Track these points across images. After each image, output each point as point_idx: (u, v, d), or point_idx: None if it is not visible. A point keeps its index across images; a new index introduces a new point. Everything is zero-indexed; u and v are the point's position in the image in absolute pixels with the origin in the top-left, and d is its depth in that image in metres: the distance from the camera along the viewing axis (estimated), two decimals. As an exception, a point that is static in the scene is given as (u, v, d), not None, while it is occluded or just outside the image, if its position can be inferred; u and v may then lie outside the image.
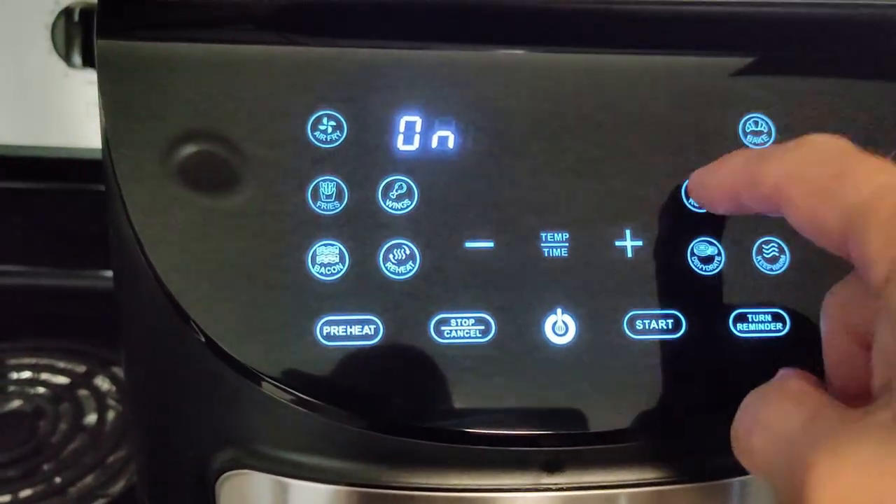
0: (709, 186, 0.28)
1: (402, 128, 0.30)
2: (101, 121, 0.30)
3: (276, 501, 0.30)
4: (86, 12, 0.64)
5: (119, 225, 0.29)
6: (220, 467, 0.30)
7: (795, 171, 0.25)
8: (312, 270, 0.29)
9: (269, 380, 0.28)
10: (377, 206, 0.29)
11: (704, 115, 0.31)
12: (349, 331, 0.28)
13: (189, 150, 0.29)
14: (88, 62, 0.65)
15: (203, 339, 0.28)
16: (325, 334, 0.28)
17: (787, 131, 0.31)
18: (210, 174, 0.29)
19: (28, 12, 0.64)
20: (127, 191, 0.29)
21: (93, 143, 0.67)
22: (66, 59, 0.65)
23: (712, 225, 0.30)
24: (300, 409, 0.28)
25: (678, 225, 0.30)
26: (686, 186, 0.30)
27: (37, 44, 0.65)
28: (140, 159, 0.29)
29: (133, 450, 0.38)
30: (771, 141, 0.31)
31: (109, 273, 0.70)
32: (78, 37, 0.65)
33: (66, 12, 0.64)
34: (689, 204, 0.31)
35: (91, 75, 0.65)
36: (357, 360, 0.28)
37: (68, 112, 0.67)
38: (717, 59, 0.32)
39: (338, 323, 0.28)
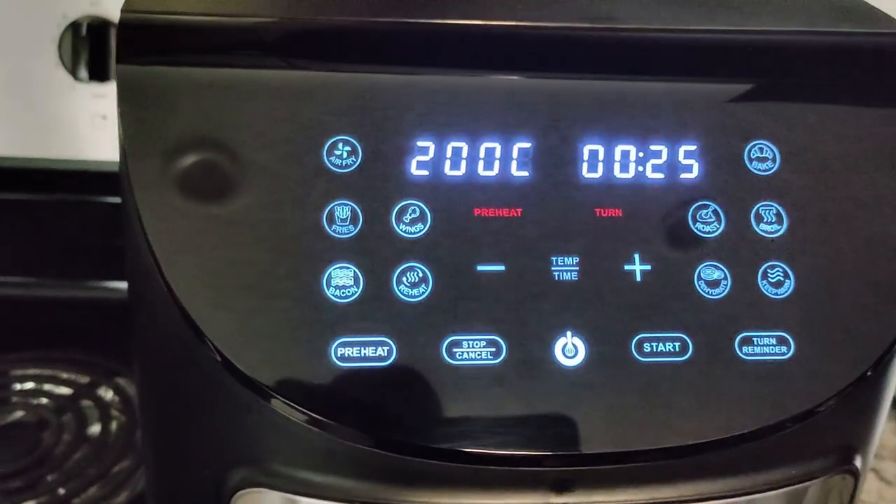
0: None
1: (415, 153, 0.31)
2: (119, 141, 0.31)
3: (290, 519, 0.30)
4: (93, 27, 0.65)
5: (135, 243, 0.30)
6: (235, 486, 0.30)
7: None
8: (327, 292, 0.29)
9: (284, 399, 0.28)
10: (391, 229, 0.30)
11: (710, 141, 0.32)
12: (363, 352, 0.29)
13: (206, 172, 0.30)
14: (94, 76, 0.66)
15: (218, 358, 0.29)
16: (339, 355, 0.29)
17: (792, 157, 0.32)
18: (226, 196, 0.30)
19: (36, 26, 0.65)
20: (144, 211, 0.29)
21: (97, 156, 0.68)
22: (73, 72, 0.66)
23: (719, 250, 0.31)
24: (314, 428, 0.28)
25: (685, 249, 0.31)
26: None
27: (44, 57, 0.65)
28: (158, 181, 0.30)
29: (146, 468, 0.38)
30: (776, 168, 0.32)
31: (113, 284, 0.71)
32: (85, 50, 0.65)
33: (74, 26, 0.65)
34: (696, 229, 0.31)
35: (97, 88, 0.66)
36: (370, 381, 0.29)
37: (74, 124, 0.67)
38: (721, 86, 0.33)
39: (352, 344, 0.29)
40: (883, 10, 0.37)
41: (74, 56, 0.66)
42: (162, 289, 0.29)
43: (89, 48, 0.65)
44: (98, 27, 0.65)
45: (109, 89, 0.66)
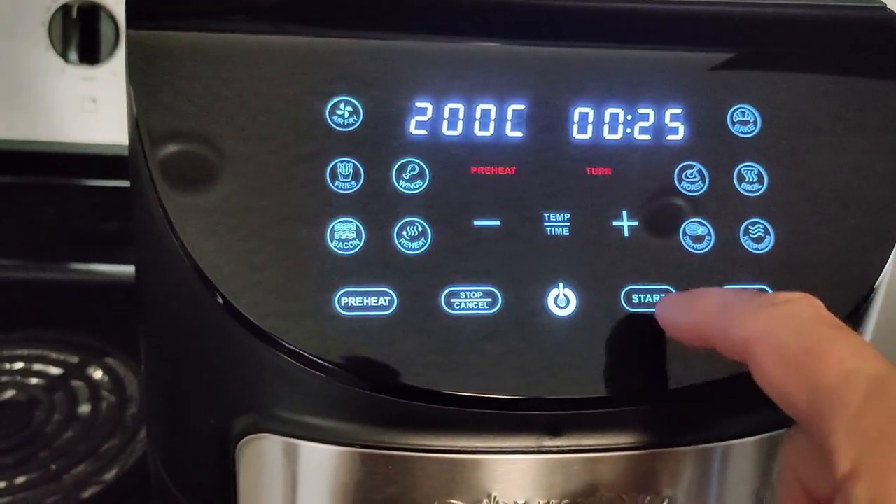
0: (679, 326, 0.28)
1: (414, 113, 0.32)
2: (128, 102, 0.31)
3: (294, 463, 0.31)
4: (83, 10, 0.65)
5: (146, 200, 0.31)
6: (241, 432, 0.31)
7: (767, 333, 0.25)
8: (331, 245, 0.30)
9: (290, 345, 0.29)
10: (391, 186, 0.31)
11: (694, 105, 0.34)
12: (365, 302, 0.30)
13: (214, 131, 0.31)
14: (84, 59, 0.66)
15: (224, 305, 0.30)
16: (342, 305, 0.30)
17: (772, 121, 0.34)
18: (234, 154, 0.31)
19: (26, 8, 0.65)
20: (157, 171, 0.30)
21: (87, 139, 0.68)
22: (63, 55, 0.66)
23: (703, 207, 0.33)
24: (318, 373, 0.29)
25: (671, 207, 0.32)
26: (656, 312, 0.30)
27: (34, 40, 0.66)
28: (169, 141, 0.31)
29: (149, 423, 0.39)
30: (756, 130, 0.34)
31: (101, 267, 0.72)
32: (74, 33, 0.66)
33: (64, 9, 0.65)
34: (682, 188, 0.33)
35: (86, 71, 0.67)
36: (372, 329, 0.30)
37: (64, 107, 0.68)
38: (706, 54, 0.35)
39: (355, 294, 0.30)
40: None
41: (64, 39, 0.66)
42: (172, 242, 0.30)
43: (79, 31, 0.66)
44: (88, 10, 0.65)
45: (99, 72, 0.67)
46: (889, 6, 0.37)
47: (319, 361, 0.29)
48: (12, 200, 0.71)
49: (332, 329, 0.30)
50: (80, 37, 0.66)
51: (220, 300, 0.29)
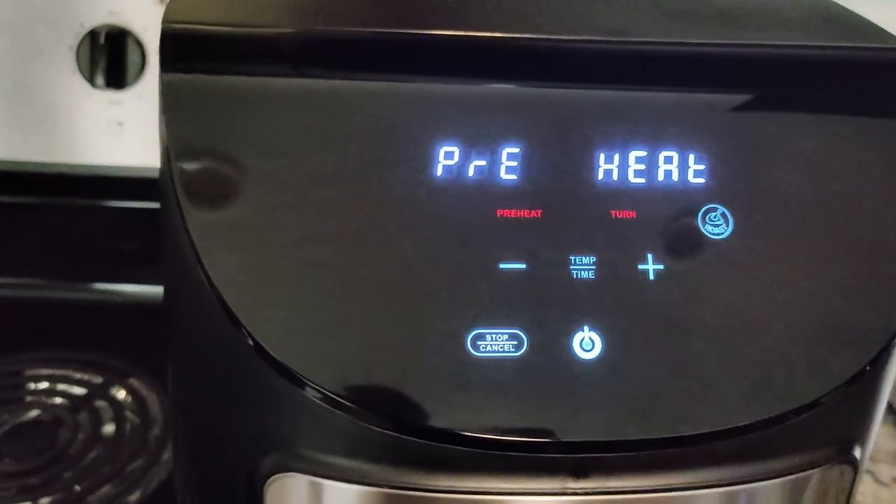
0: None
1: (439, 156, 0.33)
2: (162, 143, 0.32)
3: (320, 502, 0.32)
4: (110, 36, 0.66)
5: (176, 239, 0.31)
6: (269, 471, 0.32)
7: None
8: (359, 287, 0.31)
9: (317, 386, 0.30)
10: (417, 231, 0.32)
11: (718, 148, 0.34)
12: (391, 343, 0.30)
13: (244, 174, 0.32)
14: (111, 83, 0.67)
15: (253, 345, 0.30)
16: (369, 345, 0.30)
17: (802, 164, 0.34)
18: (260, 192, 0.31)
19: (55, 34, 0.67)
20: (187, 209, 0.31)
21: (113, 161, 0.70)
22: (90, 79, 0.67)
23: (727, 252, 0.33)
24: (344, 414, 0.30)
25: (696, 250, 0.33)
26: None
27: (62, 64, 0.67)
28: (200, 181, 0.31)
29: (176, 458, 0.39)
30: (782, 174, 0.34)
31: (125, 287, 0.73)
32: (102, 59, 0.67)
33: (92, 35, 0.67)
34: (706, 231, 0.33)
35: (113, 96, 0.68)
36: (398, 371, 0.30)
37: (91, 131, 0.69)
38: (727, 97, 0.35)
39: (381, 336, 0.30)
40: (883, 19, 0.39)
41: (92, 64, 0.67)
42: (201, 280, 0.30)
43: (107, 56, 0.67)
44: (115, 36, 0.67)
45: (125, 96, 0.68)
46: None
47: (344, 402, 0.30)
48: (39, 221, 0.73)
49: (357, 370, 0.30)
50: (108, 62, 0.67)
51: (245, 337, 0.30)
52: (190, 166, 0.31)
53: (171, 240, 0.32)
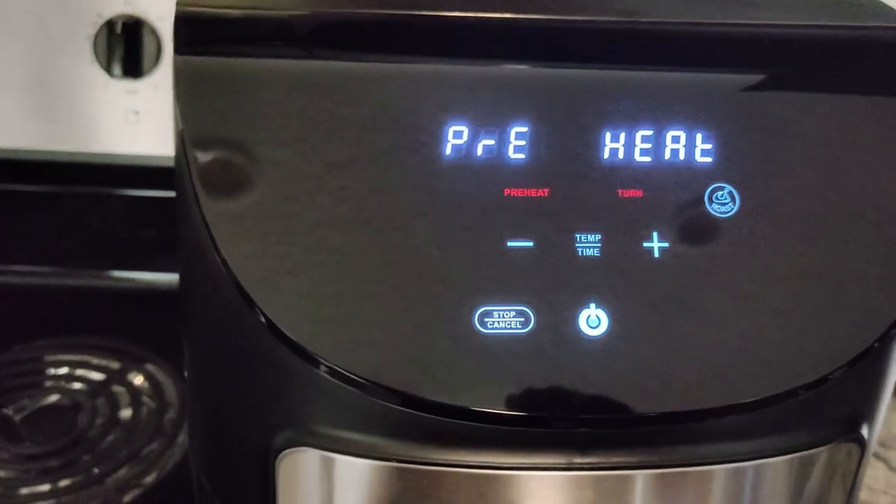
0: None
1: (448, 136, 0.33)
2: (176, 127, 0.33)
3: (331, 476, 0.32)
4: (127, 25, 0.67)
5: (192, 222, 0.32)
6: (281, 446, 0.32)
7: None
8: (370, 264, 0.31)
9: (329, 364, 0.30)
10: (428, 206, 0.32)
11: (725, 127, 0.34)
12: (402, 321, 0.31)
13: (258, 152, 0.32)
14: (128, 72, 0.68)
15: (266, 325, 0.31)
16: (380, 323, 0.31)
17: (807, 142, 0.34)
18: (273, 175, 0.32)
19: (72, 24, 0.67)
20: (201, 190, 0.31)
21: (130, 150, 0.70)
22: (107, 69, 0.68)
23: (734, 229, 0.33)
24: (356, 391, 0.30)
25: (702, 228, 0.33)
26: None
27: (79, 54, 0.68)
28: (215, 165, 0.32)
29: (192, 436, 0.40)
30: (787, 152, 0.34)
31: (141, 275, 0.74)
32: (119, 48, 0.68)
33: (108, 25, 0.67)
34: (713, 210, 0.33)
35: (130, 85, 0.68)
36: (409, 347, 0.31)
37: (108, 120, 0.69)
38: (733, 76, 0.35)
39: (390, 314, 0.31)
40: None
41: (109, 53, 0.68)
42: (216, 261, 0.31)
43: (123, 46, 0.68)
44: (132, 26, 0.67)
45: (142, 86, 0.69)
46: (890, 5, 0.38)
47: (356, 379, 0.30)
48: (57, 209, 0.73)
49: (368, 346, 0.30)
50: (124, 51, 0.68)
51: (262, 319, 0.30)
52: (204, 151, 0.32)
53: (186, 223, 0.33)
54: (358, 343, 0.31)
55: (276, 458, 0.32)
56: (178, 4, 0.34)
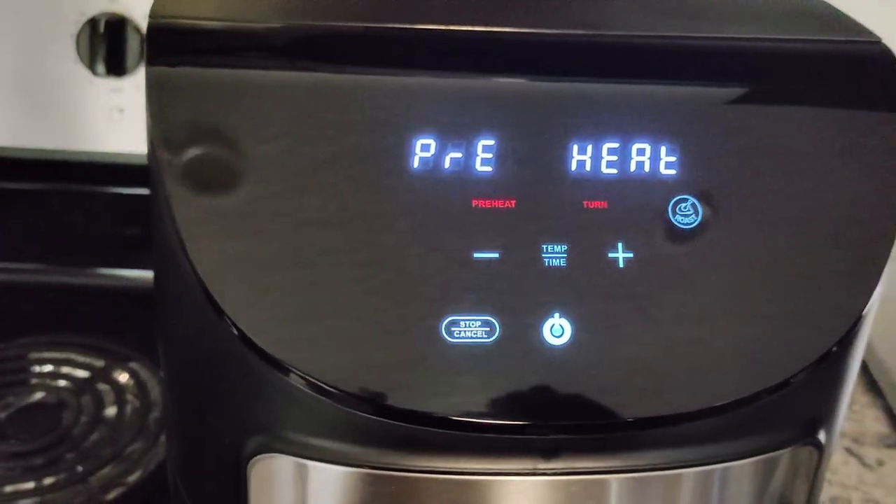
0: None
1: (416, 148, 0.34)
2: (148, 135, 0.33)
3: (301, 481, 0.33)
4: (110, 23, 0.67)
5: (163, 228, 0.32)
6: (252, 452, 0.33)
7: None
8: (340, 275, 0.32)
9: (298, 372, 0.31)
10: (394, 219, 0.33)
11: (689, 139, 0.35)
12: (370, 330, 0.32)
13: (226, 164, 0.33)
14: (111, 71, 0.68)
15: (237, 334, 0.31)
16: (349, 333, 0.31)
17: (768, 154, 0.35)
18: (243, 186, 0.33)
19: (55, 22, 0.67)
20: (173, 199, 0.32)
21: (114, 148, 0.71)
22: (90, 67, 0.68)
23: (697, 241, 0.34)
24: (325, 398, 0.31)
25: (666, 240, 0.34)
26: None
27: (62, 52, 0.68)
28: (184, 172, 0.32)
29: (168, 438, 0.41)
30: (751, 165, 0.35)
31: (125, 272, 0.74)
32: (102, 46, 0.68)
33: (92, 23, 0.67)
34: (676, 221, 0.34)
35: (114, 83, 0.69)
36: (377, 357, 0.31)
37: (91, 118, 0.70)
38: (698, 89, 0.36)
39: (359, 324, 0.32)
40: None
41: (92, 52, 0.68)
42: (186, 269, 0.31)
43: (106, 44, 0.68)
44: (115, 24, 0.68)
45: (125, 84, 0.69)
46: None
47: (325, 387, 0.31)
48: (41, 207, 0.74)
49: (337, 356, 0.31)
50: (107, 50, 0.68)
51: (228, 325, 0.31)
52: (174, 159, 0.32)
53: (158, 229, 0.33)
54: (327, 352, 0.31)
55: (247, 464, 0.33)
56: (150, 16, 0.34)
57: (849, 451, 0.65)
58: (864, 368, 0.72)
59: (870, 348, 0.71)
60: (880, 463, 0.64)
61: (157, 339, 0.38)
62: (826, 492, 0.60)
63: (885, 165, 0.36)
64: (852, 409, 0.68)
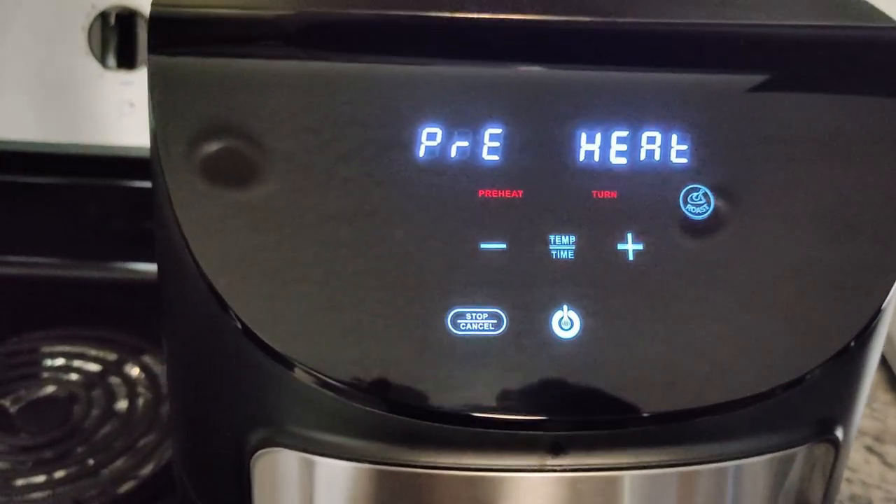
0: None
1: (422, 137, 0.33)
2: (150, 128, 0.33)
3: (305, 476, 0.33)
4: (121, 17, 0.67)
5: (165, 223, 0.32)
6: (255, 446, 0.32)
7: None
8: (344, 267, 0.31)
9: (303, 367, 0.30)
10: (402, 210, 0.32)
11: (700, 127, 0.34)
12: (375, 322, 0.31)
13: (231, 157, 0.32)
14: (122, 64, 0.68)
15: (240, 328, 0.31)
16: (354, 326, 0.31)
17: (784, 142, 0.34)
18: (248, 181, 0.32)
19: (66, 16, 0.67)
20: (175, 193, 0.31)
21: (125, 142, 0.71)
22: (101, 60, 0.68)
23: (709, 232, 0.33)
24: (329, 393, 0.30)
25: (676, 230, 0.33)
26: None
27: (74, 46, 0.68)
28: (187, 165, 0.32)
29: (173, 432, 0.40)
30: (764, 153, 0.34)
31: (138, 266, 0.74)
32: (113, 40, 0.68)
33: (103, 16, 0.67)
34: (688, 211, 0.33)
35: (125, 76, 0.68)
36: (381, 349, 0.31)
37: (102, 111, 0.70)
38: (711, 77, 0.35)
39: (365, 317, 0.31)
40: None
41: (103, 45, 0.68)
42: (190, 264, 0.31)
43: (117, 37, 0.68)
44: (126, 17, 0.67)
45: (137, 77, 0.69)
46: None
47: (330, 381, 0.30)
48: (53, 201, 0.74)
49: (341, 350, 0.31)
50: (118, 43, 0.68)
51: (233, 319, 0.30)
52: (177, 151, 0.32)
53: (160, 224, 0.33)
54: (332, 346, 0.31)
55: (251, 458, 0.33)
56: (153, 4, 0.34)
57: (870, 449, 0.63)
58: (886, 367, 0.71)
59: (891, 345, 0.70)
60: (901, 461, 0.63)
61: (161, 333, 0.37)
62: (846, 490, 0.59)
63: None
64: (873, 408, 0.67)
